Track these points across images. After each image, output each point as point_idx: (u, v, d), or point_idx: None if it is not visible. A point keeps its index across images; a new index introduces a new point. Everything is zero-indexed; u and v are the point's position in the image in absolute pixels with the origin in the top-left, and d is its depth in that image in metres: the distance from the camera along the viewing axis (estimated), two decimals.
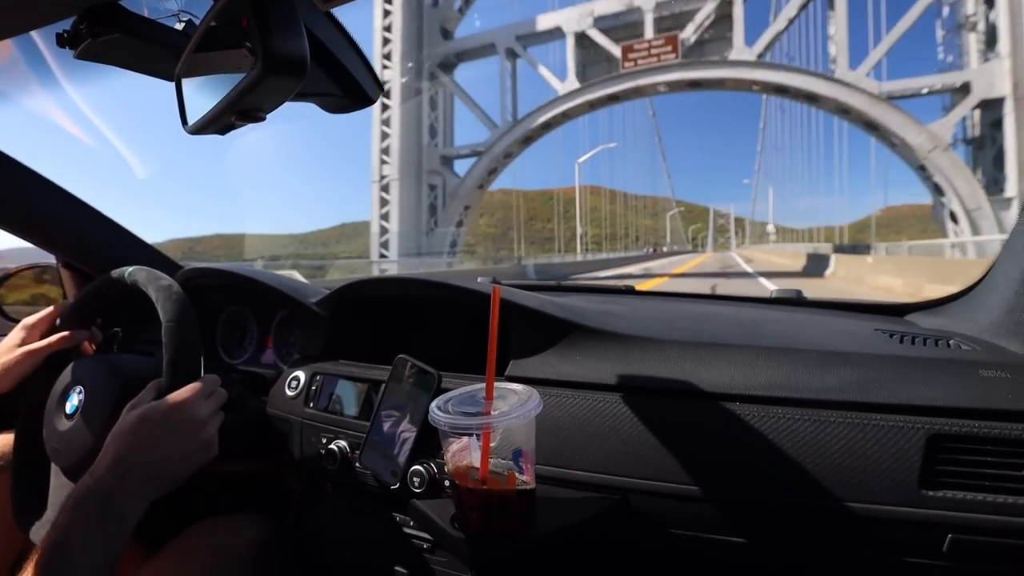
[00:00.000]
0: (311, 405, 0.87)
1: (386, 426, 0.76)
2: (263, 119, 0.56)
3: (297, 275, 1.50)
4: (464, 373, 0.76)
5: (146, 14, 0.60)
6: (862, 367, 0.64)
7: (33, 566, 0.56)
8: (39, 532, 0.77)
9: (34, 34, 0.78)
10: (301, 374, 0.91)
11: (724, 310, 0.92)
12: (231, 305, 1.21)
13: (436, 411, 0.53)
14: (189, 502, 0.99)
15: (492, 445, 0.54)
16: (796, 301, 1.05)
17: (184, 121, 0.61)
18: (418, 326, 1.02)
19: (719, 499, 0.59)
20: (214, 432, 0.72)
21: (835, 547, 0.57)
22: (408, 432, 0.73)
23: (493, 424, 0.51)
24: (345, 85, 0.65)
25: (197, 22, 0.61)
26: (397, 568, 0.78)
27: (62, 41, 0.56)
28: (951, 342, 0.71)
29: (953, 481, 0.54)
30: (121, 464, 0.62)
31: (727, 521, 0.59)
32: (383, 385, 0.78)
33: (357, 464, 0.78)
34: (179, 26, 0.62)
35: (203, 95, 0.57)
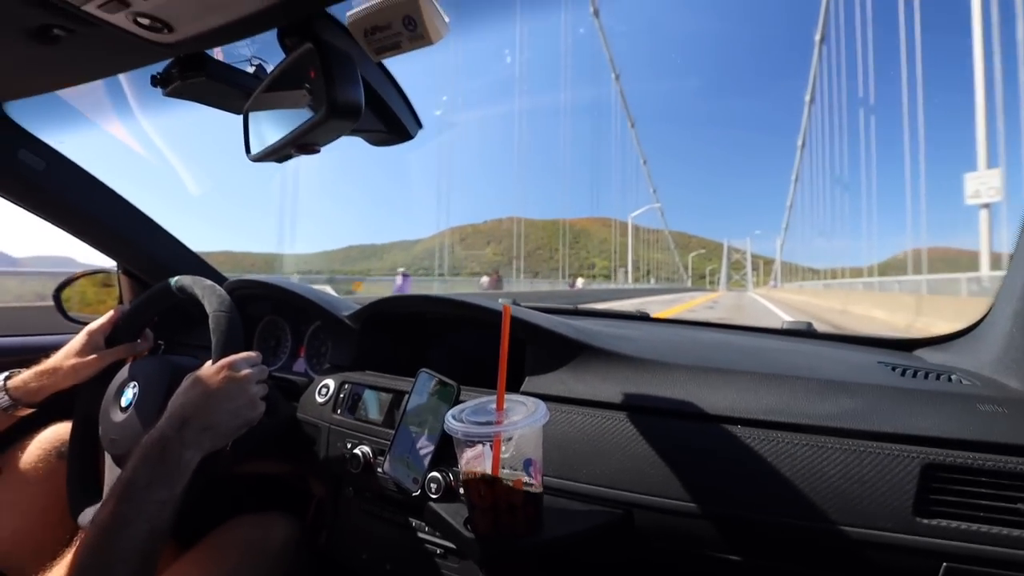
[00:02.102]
0: (338, 412, 0.93)
1: (408, 435, 0.81)
2: (318, 151, 0.65)
3: (330, 290, 1.59)
4: (482, 387, 0.81)
5: (224, 59, 0.70)
6: (861, 396, 0.67)
7: (103, 501, 0.66)
8: (87, 517, 0.84)
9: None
10: (331, 382, 0.98)
11: (733, 339, 0.96)
12: (268, 315, 1.30)
13: (451, 420, 0.58)
14: (221, 501, 1.05)
15: (505, 456, 0.59)
16: (806, 333, 1.08)
17: (248, 150, 0.70)
18: (440, 342, 1.09)
19: (718, 517, 0.62)
20: (257, 392, 0.79)
21: (829, 569, 0.59)
22: (429, 441, 0.78)
23: (503, 432, 0.56)
24: (389, 123, 0.73)
25: (267, 67, 0.71)
26: (411, 573, 0.83)
27: (155, 82, 0.66)
28: (952, 377, 0.73)
29: (948, 511, 0.56)
30: (178, 417, 0.71)
31: (725, 539, 0.62)
32: (407, 396, 0.84)
33: (379, 470, 0.83)
34: (251, 69, 0.72)
35: (268, 129, 0.66)
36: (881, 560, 0.57)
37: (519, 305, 1.35)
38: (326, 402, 0.96)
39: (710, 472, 0.64)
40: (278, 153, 0.65)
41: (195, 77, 0.63)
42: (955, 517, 0.56)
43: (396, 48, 0.58)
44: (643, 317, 1.25)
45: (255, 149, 0.69)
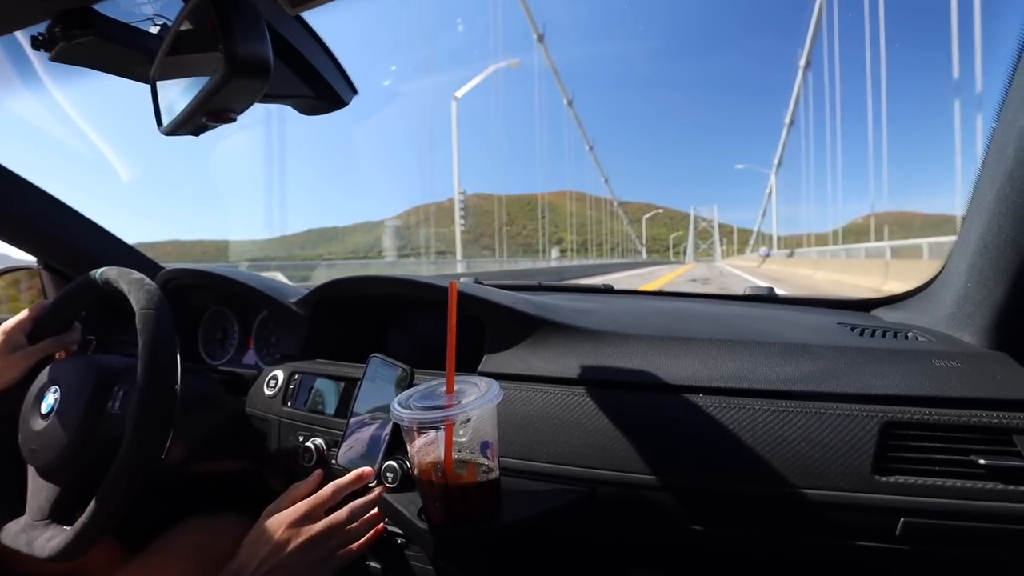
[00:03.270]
0: (289, 404, 0.88)
1: (362, 423, 0.77)
2: (234, 120, 0.58)
3: (281, 277, 1.51)
4: (440, 370, 0.77)
5: (120, 18, 0.62)
6: (821, 358, 0.66)
7: None
8: (9, 534, 0.77)
9: (18, 35, 0.79)
10: (279, 373, 0.92)
11: (696, 307, 0.94)
12: (213, 306, 1.22)
13: (397, 407, 0.54)
14: (172, 502, 0.99)
15: (462, 439, 0.55)
16: (767, 298, 1.08)
17: (159, 123, 0.62)
18: (397, 324, 1.04)
19: (681, 489, 0.61)
20: (334, 548, 0.71)
21: (792, 532, 0.58)
22: (383, 429, 0.74)
23: (453, 416, 0.53)
24: (317, 87, 0.66)
25: (171, 25, 0.62)
26: (370, 564, 0.79)
27: (37, 44, 0.57)
28: (909, 334, 0.73)
29: (905, 467, 0.56)
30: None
31: (688, 511, 0.60)
32: (359, 383, 0.79)
33: (333, 463, 0.78)
34: (154, 30, 0.63)
35: (176, 97, 0.58)
36: (842, 520, 0.56)
37: (480, 283, 1.31)
38: (275, 394, 0.91)
39: (672, 443, 0.63)
40: (189, 123, 0.58)
41: (82, 37, 0.55)
42: (912, 473, 0.56)
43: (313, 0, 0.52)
44: (607, 290, 1.23)
45: (166, 121, 0.61)
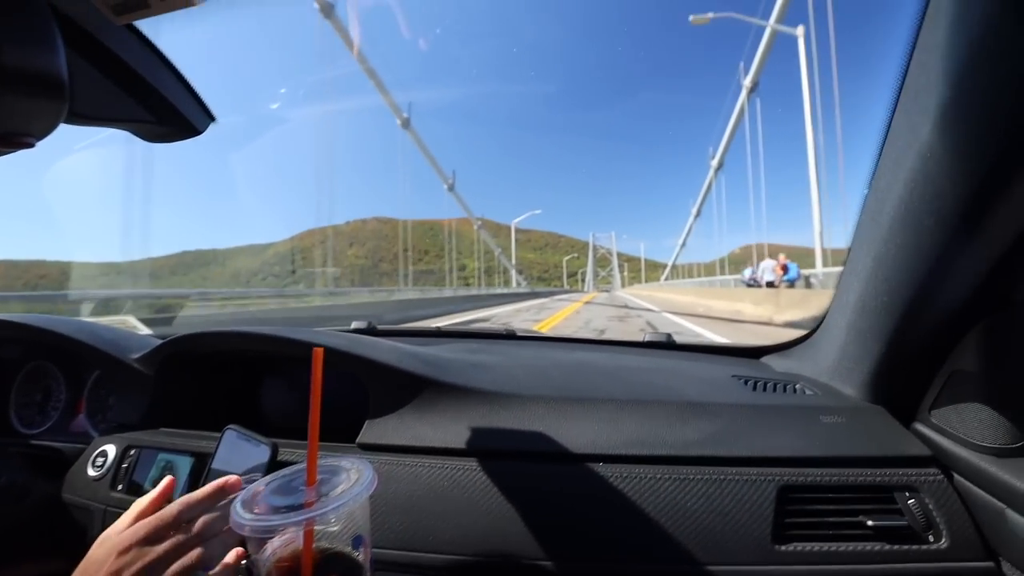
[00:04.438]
0: (119, 488, 0.71)
1: None
2: (32, 145, 0.45)
3: (133, 321, 1.28)
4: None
5: None
6: (719, 417, 0.65)
7: None
8: None
9: None
10: (110, 447, 0.75)
11: (597, 357, 0.92)
12: (34, 360, 0.99)
13: (238, 511, 0.43)
14: None
15: (333, 529, 0.45)
16: (666, 345, 1.09)
17: None
18: (266, 381, 0.90)
19: (581, 573, 0.55)
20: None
21: None
22: None
23: (313, 518, 0.43)
24: (160, 112, 0.55)
25: None
26: None
27: None
28: (797, 386, 0.76)
29: (802, 533, 0.55)
30: None
31: None
32: (208, 463, 0.66)
33: None
34: None
35: None
36: None
37: (375, 330, 1.20)
38: (102, 475, 0.73)
39: (574, 521, 0.57)
40: None
41: None
42: (809, 539, 0.55)
43: (143, 8, 0.42)
44: (509, 336, 1.18)
45: None
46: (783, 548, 0.54)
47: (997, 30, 0.33)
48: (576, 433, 0.63)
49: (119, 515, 0.69)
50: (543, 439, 0.62)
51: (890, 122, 0.48)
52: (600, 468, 0.60)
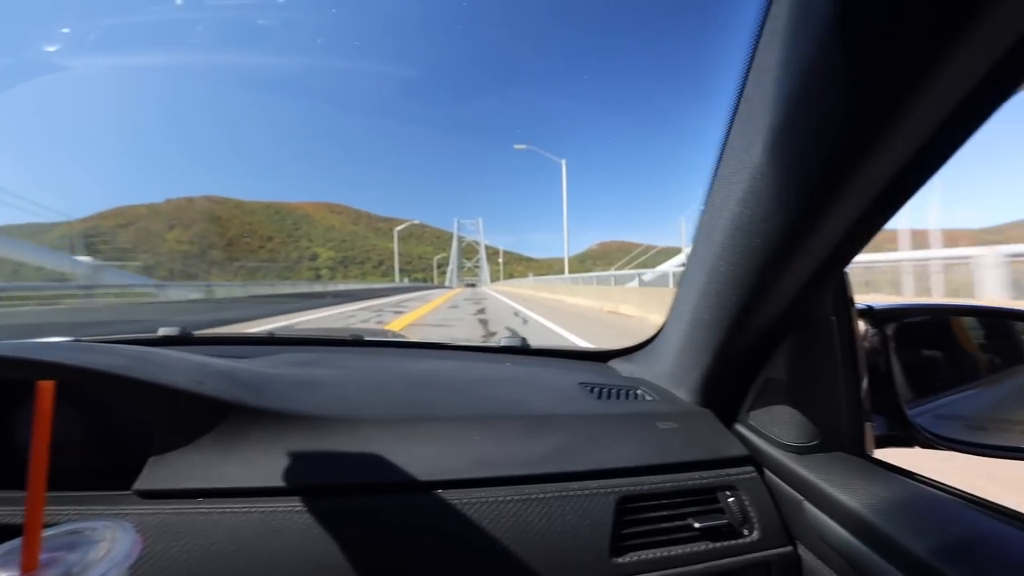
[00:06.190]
0: None
1: None
2: None
3: None
4: (59, 491, 0.49)
5: None
6: (565, 430, 0.64)
7: None
8: None
9: None
10: None
11: (448, 367, 0.87)
12: None
13: None
14: None
15: None
16: (519, 349, 1.08)
17: None
18: (18, 410, 0.67)
19: None
20: None
21: None
22: None
23: None
24: None
25: None
26: None
27: None
28: (639, 392, 0.78)
29: (639, 542, 0.56)
30: None
31: None
32: None
33: None
34: None
35: None
36: None
37: (189, 337, 0.99)
38: None
39: (406, 557, 0.50)
40: None
41: None
42: (645, 547, 0.55)
43: None
44: (357, 342, 1.06)
45: None
46: (619, 560, 0.54)
47: (824, 58, 0.34)
48: (415, 458, 0.56)
49: None
50: (377, 468, 0.55)
51: (726, 140, 0.49)
52: (440, 495, 0.54)
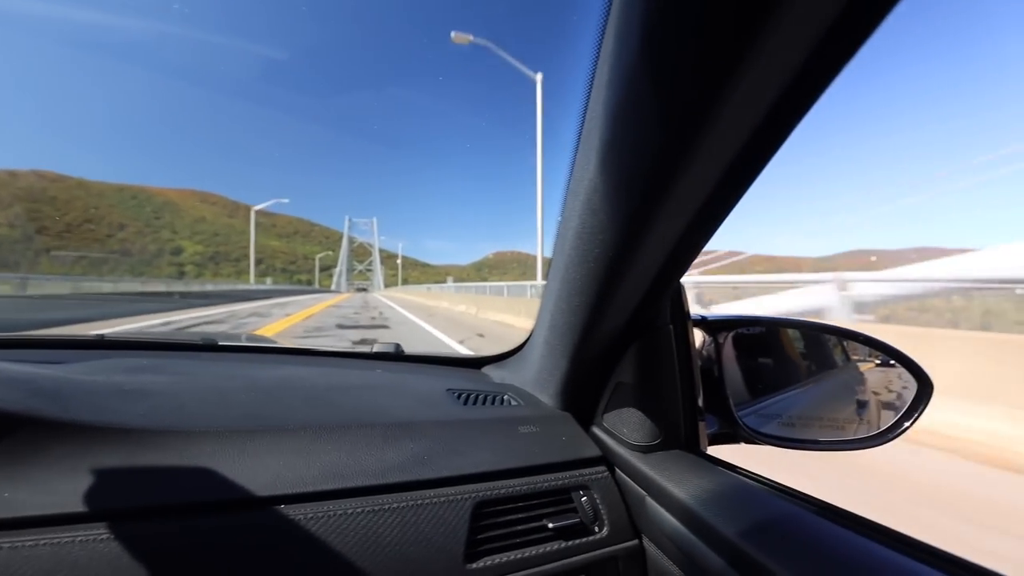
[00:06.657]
0: None
1: None
2: None
3: None
4: None
5: None
6: (425, 437, 0.62)
7: None
8: None
9: None
10: None
11: (307, 373, 0.81)
12: None
13: None
14: None
15: None
16: (394, 356, 1.05)
17: None
18: None
19: None
20: None
21: None
22: None
23: None
24: None
25: None
26: None
27: None
28: (505, 397, 0.79)
29: (493, 547, 0.56)
30: None
31: None
32: None
33: None
34: None
35: None
36: None
37: None
38: None
39: None
40: None
41: None
42: (500, 551, 0.56)
43: None
44: (208, 347, 0.96)
45: None
46: (473, 565, 0.54)
47: (641, 77, 0.37)
48: (254, 472, 0.51)
49: None
50: (206, 484, 0.49)
51: (575, 152, 0.52)
52: (282, 511, 0.50)
